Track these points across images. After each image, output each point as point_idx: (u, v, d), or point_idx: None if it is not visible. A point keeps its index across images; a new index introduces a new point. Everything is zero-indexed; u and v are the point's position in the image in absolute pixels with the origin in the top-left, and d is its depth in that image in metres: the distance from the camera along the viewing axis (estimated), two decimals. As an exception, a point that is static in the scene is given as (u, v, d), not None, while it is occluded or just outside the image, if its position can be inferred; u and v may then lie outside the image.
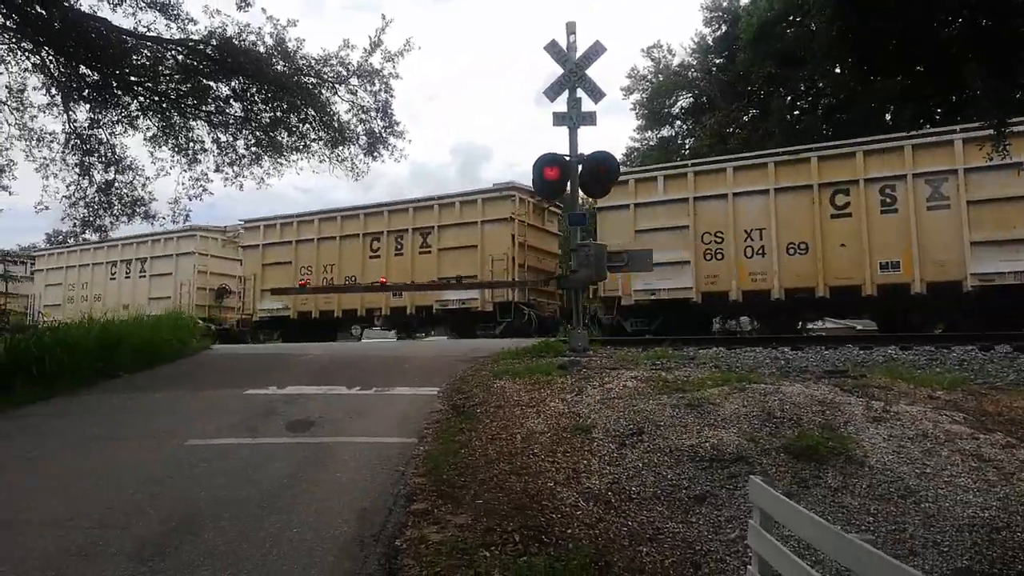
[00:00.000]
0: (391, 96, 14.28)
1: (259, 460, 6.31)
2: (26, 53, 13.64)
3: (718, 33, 35.19)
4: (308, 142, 14.74)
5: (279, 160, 14.93)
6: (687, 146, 36.24)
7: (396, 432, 7.13)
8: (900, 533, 4.76)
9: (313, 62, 14.00)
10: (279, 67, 13.76)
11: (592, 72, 11.33)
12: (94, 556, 4.46)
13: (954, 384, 7.61)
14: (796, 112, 31.63)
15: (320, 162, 14.95)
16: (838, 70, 27.54)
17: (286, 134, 14.64)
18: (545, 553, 4.53)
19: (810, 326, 17.90)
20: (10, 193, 17.09)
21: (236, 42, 13.52)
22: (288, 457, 6.38)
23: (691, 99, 37.71)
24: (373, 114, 14.45)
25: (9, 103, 14.08)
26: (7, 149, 14.37)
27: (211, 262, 25.95)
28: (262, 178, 15.09)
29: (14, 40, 13.57)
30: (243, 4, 13.32)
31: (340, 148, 14.73)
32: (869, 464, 5.53)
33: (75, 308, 26.54)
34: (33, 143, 14.26)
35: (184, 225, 18.20)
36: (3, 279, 11.06)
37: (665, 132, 39.15)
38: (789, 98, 31.28)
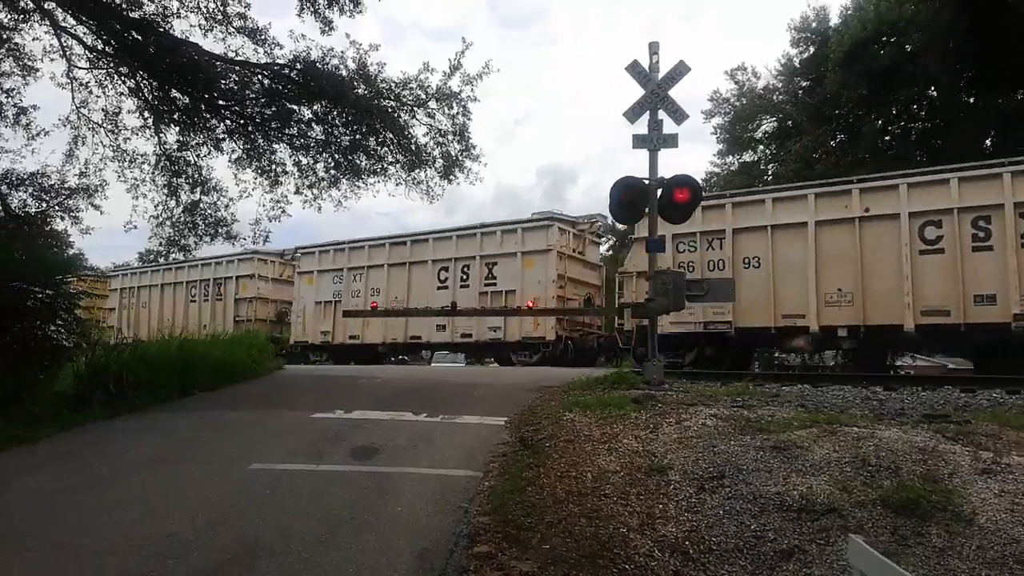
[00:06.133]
0: (468, 119, 14.31)
1: (320, 489, 6.15)
2: (122, 78, 14.29)
3: (806, 55, 34.01)
4: (385, 165, 14.87)
5: (356, 183, 15.11)
6: (770, 171, 35.14)
7: (461, 464, 6.87)
8: (1018, 606, 4.21)
9: (393, 85, 14.14)
10: (360, 91, 13.93)
11: (674, 93, 10.89)
12: (148, 586, 4.36)
13: (1074, 434, 6.84)
14: (887, 138, 30.25)
15: (396, 185, 15.07)
16: (934, 92, 26.48)
17: (364, 157, 14.81)
18: (616, 609, 4.18)
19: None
20: (101, 212, 17.86)
21: (320, 66, 13.78)
22: (350, 487, 6.20)
23: (775, 123, 36.57)
24: (450, 137, 14.49)
25: (105, 125, 14.76)
26: (101, 169, 15.06)
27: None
28: (340, 200, 15.36)
29: (112, 65, 14.23)
30: (326, 28, 13.56)
31: (416, 171, 14.79)
32: (979, 523, 4.95)
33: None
34: (125, 164, 14.93)
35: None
36: (90, 295, 11.57)
37: (747, 157, 38.10)
38: (880, 122, 29.94)
